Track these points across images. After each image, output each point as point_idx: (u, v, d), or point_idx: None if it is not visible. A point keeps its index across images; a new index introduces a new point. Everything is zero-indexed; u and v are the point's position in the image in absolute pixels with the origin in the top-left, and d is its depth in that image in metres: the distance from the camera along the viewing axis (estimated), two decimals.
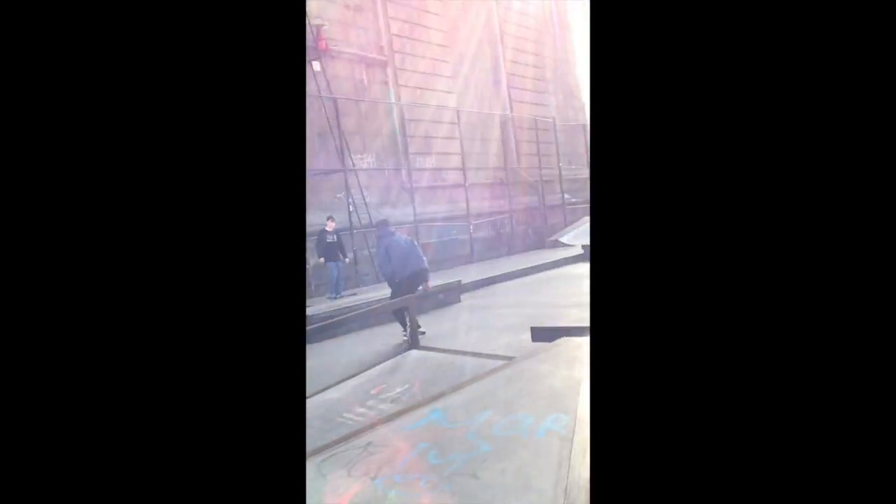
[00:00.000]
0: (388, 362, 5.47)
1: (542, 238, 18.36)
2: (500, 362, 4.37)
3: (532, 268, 12.68)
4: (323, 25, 13.46)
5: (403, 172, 15.57)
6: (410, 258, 6.91)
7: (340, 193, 13.11)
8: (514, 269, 12.34)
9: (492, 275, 11.88)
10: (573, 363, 3.68)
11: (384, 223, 7.24)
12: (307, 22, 12.73)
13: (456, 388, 3.67)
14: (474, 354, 5.20)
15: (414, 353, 5.71)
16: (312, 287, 11.70)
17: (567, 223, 19.24)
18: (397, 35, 15.94)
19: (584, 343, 4.08)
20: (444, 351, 5.66)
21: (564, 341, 4.26)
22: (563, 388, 3.24)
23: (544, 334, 4.84)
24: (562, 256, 13.64)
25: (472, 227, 16.21)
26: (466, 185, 16.55)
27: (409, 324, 6.33)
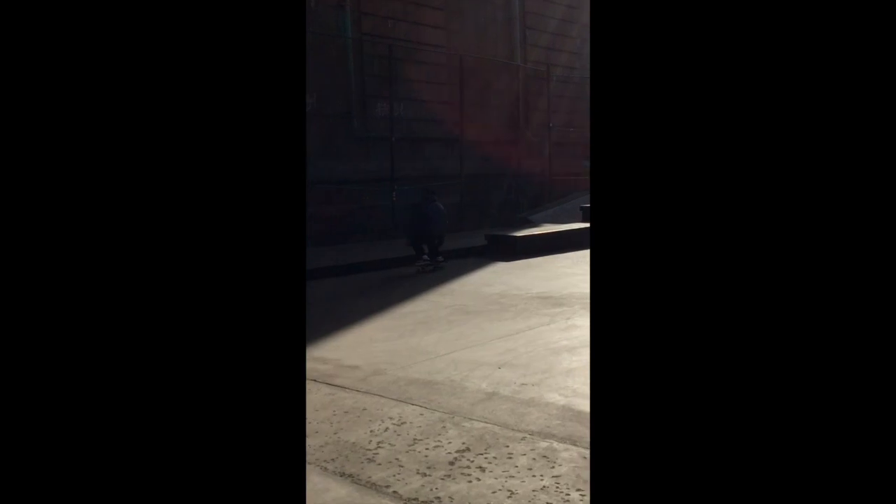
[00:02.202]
0: None
1: (507, 214, 15.43)
2: None
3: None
4: None
5: (354, 120, 12.79)
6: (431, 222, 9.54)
7: None
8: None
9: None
10: None
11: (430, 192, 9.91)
12: None
13: None
14: None
15: None
16: None
17: (563, 197, 16.46)
18: None
19: None
20: None
21: None
22: None
23: None
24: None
25: (394, 194, 12.81)
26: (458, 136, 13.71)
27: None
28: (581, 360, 4.43)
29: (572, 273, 8.55)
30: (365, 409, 3.67)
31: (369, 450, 3.09)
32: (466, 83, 14.50)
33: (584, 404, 3.51)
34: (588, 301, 6.47)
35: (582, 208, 13.05)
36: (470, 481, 2.72)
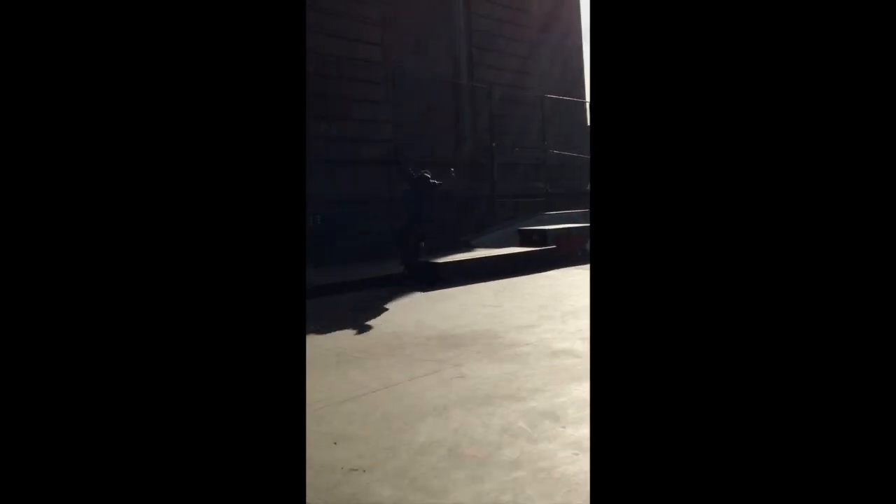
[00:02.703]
0: None
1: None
2: None
3: None
4: None
5: None
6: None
7: None
8: None
9: None
10: None
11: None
12: None
13: None
14: None
15: None
16: None
17: (509, 220, 15.62)
18: None
19: None
20: None
21: None
22: None
23: None
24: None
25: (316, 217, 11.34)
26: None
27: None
28: (447, 429, 3.48)
29: (491, 305, 7.65)
30: None
31: None
32: (405, 101, 13.66)
33: None
34: (493, 340, 5.70)
35: (520, 231, 12.22)
36: None
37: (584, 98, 21.19)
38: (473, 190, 15.75)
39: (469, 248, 12.52)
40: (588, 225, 13.32)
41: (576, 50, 21.10)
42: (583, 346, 5.13)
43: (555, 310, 7.16)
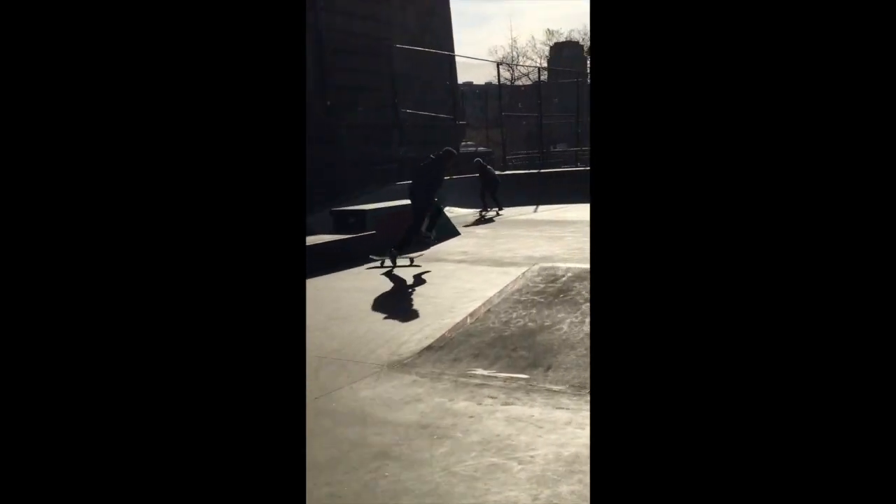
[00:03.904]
0: None
1: None
2: None
3: None
4: None
5: None
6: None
7: None
8: None
9: None
10: None
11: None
12: None
13: None
14: None
15: None
16: None
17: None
18: None
19: None
20: None
21: None
22: None
23: None
24: None
25: None
26: None
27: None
28: None
29: None
30: None
31: None
32: None
33: None
34: None
35: (333, 213, 9.68)
36: None
37: (451, 51, 18.82)
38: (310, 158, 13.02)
39: None
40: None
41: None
42: None
43: None
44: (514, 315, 5.01)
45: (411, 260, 8.36)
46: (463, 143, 22.85)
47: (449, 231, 11.53)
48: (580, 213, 13.43)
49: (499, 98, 20.64)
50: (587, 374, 3.97)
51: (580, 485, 2.75)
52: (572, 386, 3.87)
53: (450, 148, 9.20)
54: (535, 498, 2.68)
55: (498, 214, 13.61)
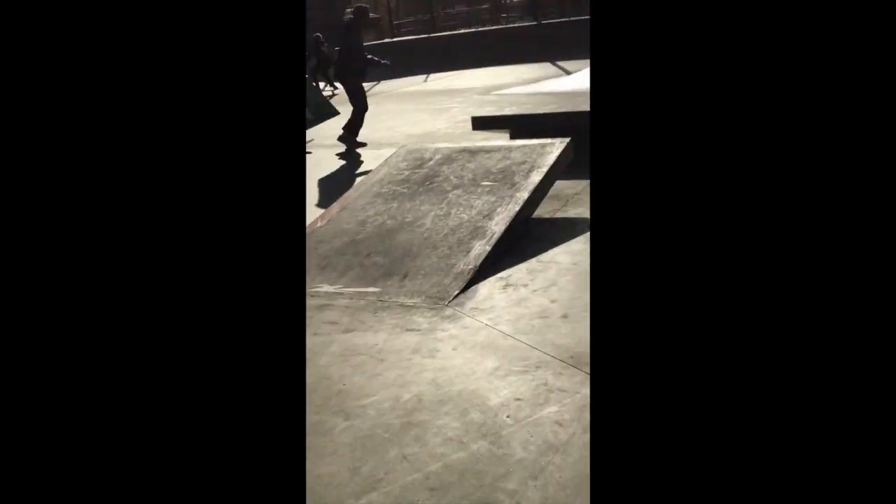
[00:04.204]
0: None
1: None
2: None
3: None
4: None
5: None
6: None
7: None
8: None
9: None
10: None
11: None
12: None
13: None
14: None
15: None
16: None
17: None
18: None
19: None
20: None
21: None
22: None
23: None
24: None
25: None
26: None
27: None
28: None
29: None
30: None
31: None
32: None
33: None
34: None
35: None
36: None
37: None
38: None
39: None
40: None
41: None
42: None
43: None
44: (372, 212, 4.26)
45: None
46: (346, 10, 21.51)
47: (329, 111, 10.56)
48: (471, 80, 12.52)
49: None
50: (448, 280, 3.34)
51: (418, 445, 2.13)
52: (429, 297, 3.23)
53: (361, 5, 8.13)
54: (355, 472, 2.06)
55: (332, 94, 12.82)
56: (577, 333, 2.71)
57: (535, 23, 15.75)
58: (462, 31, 18.16)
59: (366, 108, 7.64)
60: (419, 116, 8.74)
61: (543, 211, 4.32)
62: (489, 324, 2.88)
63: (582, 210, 4.34)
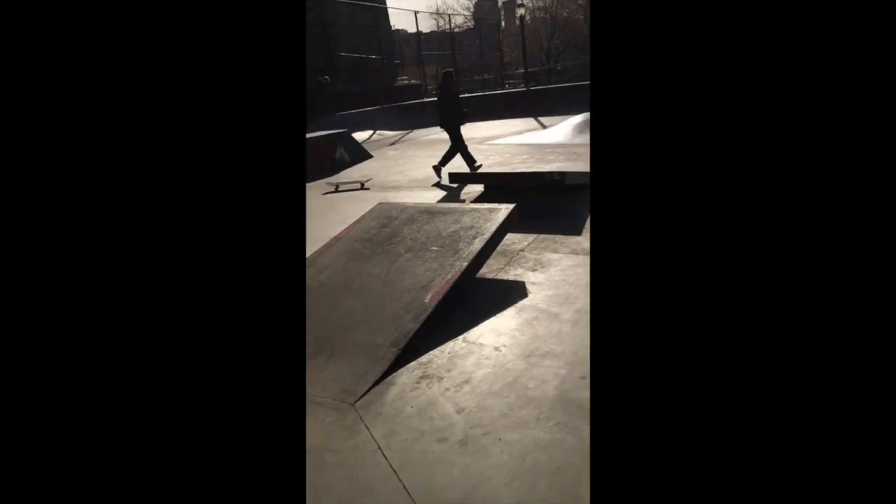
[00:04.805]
0: None
1: None
2: None
3: None
4: None
5: None
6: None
7: None
8: None
9: None
10: None
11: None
12: None
13: None
14: None
15: None
16: None
17: None
18: None
19: None
20: None
21: None
22: None
23: None
24: None
25: None
26: None
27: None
28: None
29: None
30: None
31: None
32: None
33: None
34: None
35: None
36: None
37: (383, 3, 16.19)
38: None
39: None
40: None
41: None
42: None
43: None
44: (330, 272, 3.25)
45: (361, 184, 6.88)
46: (399, 78, 21.00)
47: (362, 155, 9.53)
48: (476, 131, 11.42)
49: (418, 41, 19.39)
50: (368, 367, 2.28)
51: None
52: (342, 391, 2.19)
53: (447, 69, 8.07)
54: None
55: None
56: (471, 472, 1.61)
57: (525, 89, 15.93)
58: (478, 93, 17.23)
59: (457, 151, 7.07)
60: (427, 162, 7.69)
61: (488, 270, 3.21)
62: (381, 446, 1.80)
63: (521, 271, 3.21)
